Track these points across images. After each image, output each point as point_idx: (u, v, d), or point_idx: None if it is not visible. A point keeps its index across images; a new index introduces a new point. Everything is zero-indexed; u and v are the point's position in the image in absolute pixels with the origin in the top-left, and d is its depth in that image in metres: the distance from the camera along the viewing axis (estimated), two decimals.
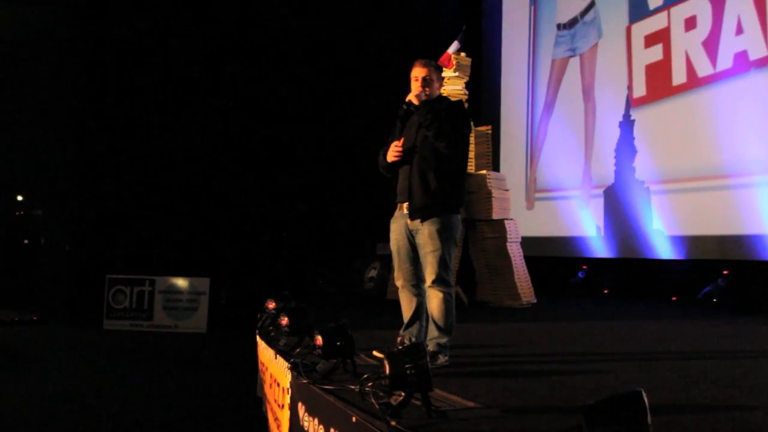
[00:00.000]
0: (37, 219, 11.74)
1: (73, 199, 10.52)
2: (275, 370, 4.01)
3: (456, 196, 4.07)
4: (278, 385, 3.86)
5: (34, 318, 9.98)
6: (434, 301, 3.97)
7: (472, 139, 8.18)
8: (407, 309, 4.22)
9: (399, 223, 4.17)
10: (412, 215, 4.03)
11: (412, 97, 4.07)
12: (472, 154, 8.20)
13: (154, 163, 10.56)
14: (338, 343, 3.40)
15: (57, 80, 10.89)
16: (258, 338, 4.84)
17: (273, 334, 4.51)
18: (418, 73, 4.13)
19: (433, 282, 3.94)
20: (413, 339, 4.10)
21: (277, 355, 4.00)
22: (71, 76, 10.63)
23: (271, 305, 5.26)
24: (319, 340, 3.40)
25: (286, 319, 4.32)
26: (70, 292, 10.23)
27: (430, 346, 3.91)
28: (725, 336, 5.78)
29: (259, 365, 4.89)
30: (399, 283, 4.22)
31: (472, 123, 8.36)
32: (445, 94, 8.18)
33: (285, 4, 11.58)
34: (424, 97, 4.06)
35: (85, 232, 10.41)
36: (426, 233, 3.97)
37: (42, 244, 11.57)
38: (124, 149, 10.44)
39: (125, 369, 6.78)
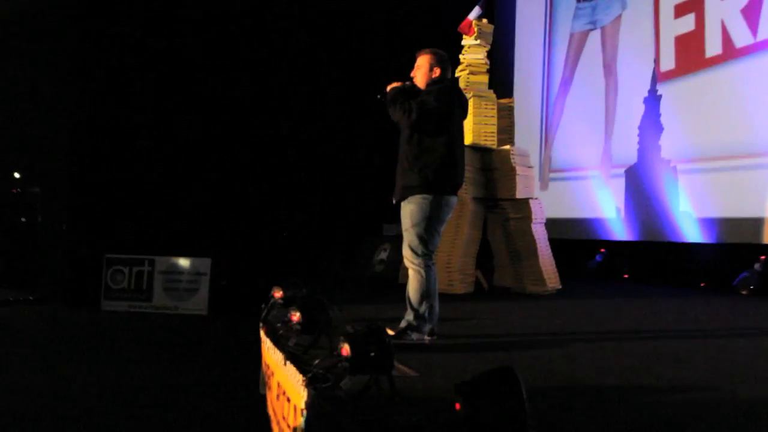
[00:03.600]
0: (34, 197, 10.75)
1: (71, 177, 9.60)
2: (284, 379, 2.98)
3: (425, 178, 3.84)
4: (288, 400, 2.83)
5: (31, 298, 9.22)
6: (409, 275, 3.89)
7: (492, 112, 7.29)
8: None
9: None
10: (395, 197, 4.00)
11: (388, 87, 4.02)
12: (493, 129, 7.22)
13: (155, 139, 9.64)
14: (372, 354, 2.38)
15: (55, 55, 9.92)
16: (262, 333, 3.82)
17: (282, 332, 3.47)
18: (415, 62, 4.09)
19: (407, 256, 3.86)
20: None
21: (287, 361, 2.97)
22: (70, 51, 9.67)
23: (278, 294, 4.25)
24: (346, 349, 2.38)
25: (298, 314, 3.31)
26: (67, 271, 9.36)
27: (401, 323, 3.80)
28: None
29: (263, 365, 3.86)
30: (406, 262, 4.01)
31: (494, 95, 7.44)
32: (465, 63, 7.35)
33: None
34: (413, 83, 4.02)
35: (83, 211, 9.49)
36: (402, 213, 3.93)
37: (39, 222, 10.59)
38: (125, 125, 9.52)
39: (122, 352, 6.03)
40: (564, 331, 4.60)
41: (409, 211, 3.84)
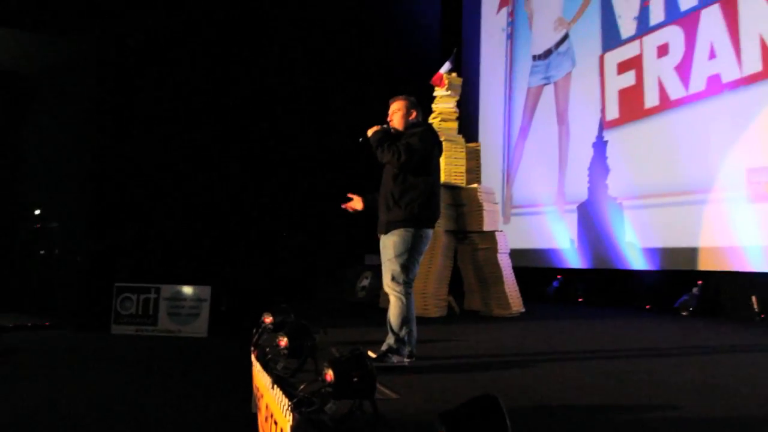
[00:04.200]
0: (52, 231, 10.40)
1: (84, 213, 9.30)
2: (271, 402, 2.73)
3: (411, 213, 3.68)
4: (275, 423, 2.57)
5: (47, 323, 8.85)
6: (390, 303, 3.70)
7: (461, 154, 7.15)
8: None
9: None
10: (378, 230, 3.84)
11: (368, 131, 3.83)
12: (462, 169, 7.07)
13: (161, 180, 9.38)
14: (354, 380, 2.14)
15: (73, 103, 9.71)
16: (253, 357, 3.55)
17: (270, 355, 3.21)
18: (389, 110, 3.93)
19: (389, 286, 3.68)
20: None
21: (275, 385, 2.71)
22: (85, 99, 9.44)
23: (268, 319, 4.00)
24: (330, 375, 2.14)
25: (285, 339, 3.06)
26: (81, 299, 9.02)
27: (383, 347, 3.61)
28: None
29: (254, 387, 3.59)
30: (386, 289, 3.81)
31: (463, 140, 7.32)
32: (437, 112, 7.22)
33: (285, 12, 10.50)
34: (391, 129, 3.85)
35: (96, 243, 9.17)
36: (383, 244, 3.77)
37: (56, 254, 10.23)
38: (133, 170, 9.27)
39: (129, 370, 5.89)
40: (530, 350, 4.37)
41: (392, 242, 3.68)
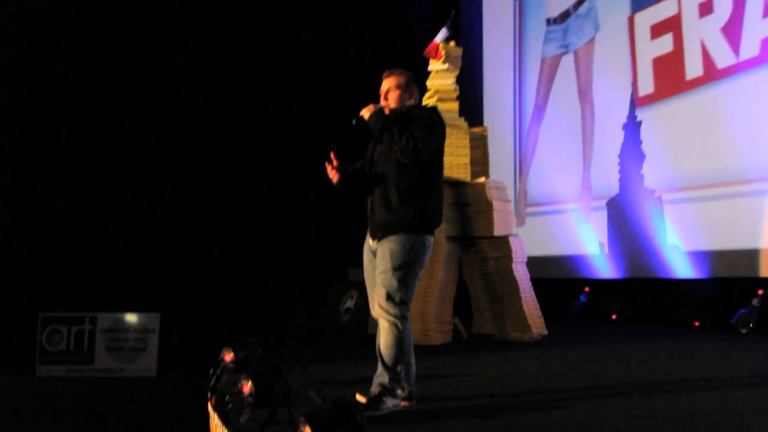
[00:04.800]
0: None
1: (1, 226, 9.06)
2: None
3: (423, 214, 3.55)
4: None
5: None
6: (381, 330, 3.49)
7: (464, 142, 7.03)
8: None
9: (366, 246, 3.77)
10: (373, 234, 3.66)
11: (363, 112, 3.61)
12: (466, 160, 6.95)
13: (96, 180, 9.17)
14: None
15: None
16: (209, 407, 3.36)
17: (231, 404, 3.03)
18: (382, 86, 3.77)
19: (382, 306, 3.46)
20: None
21: None
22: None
23: (228, 356, 3.81)
24: None
25: (249, 383, 2.89)
26: None
27: (374, 388, 3.43)
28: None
29: None
30: (374, 313, 3.62)
31: (466, 124, 7.19)
32: (432, 90, 7.09)
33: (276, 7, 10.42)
34: (386, 111, 3.61)
35: (15, 263, 8.94)
36: (380, 252, 3.56)
37: None
38: (61, 163, 9.05)
39: (58, 423, 5.45)
40: (555, 386, 4.24)
41: (389, 251, 3.49)
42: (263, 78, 10.46)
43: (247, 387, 2.89)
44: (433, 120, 3.59)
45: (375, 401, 3.36)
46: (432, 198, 3.60)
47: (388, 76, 3.75)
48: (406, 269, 3.47)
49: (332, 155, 3.70)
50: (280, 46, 10.48)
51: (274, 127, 10.51)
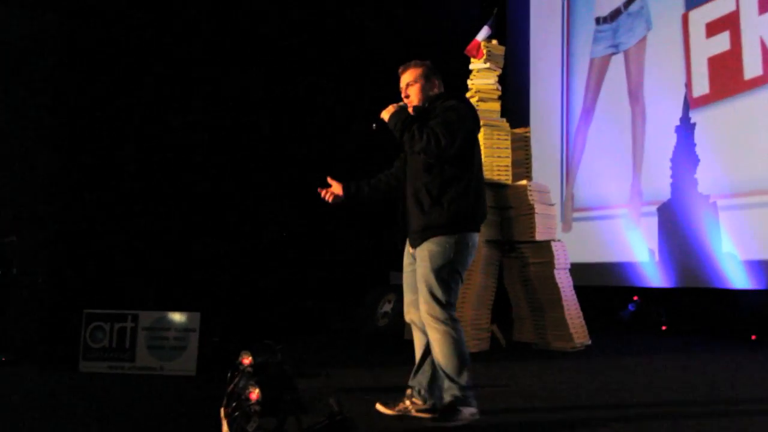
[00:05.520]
0: (10, 246, 10.34)
1: (49, 225, 9.20)
2: None
3: (459, 212, 3.37)
4: None
5: (3, 359, 8.72)
6: (431, 339, 3.35)
7: (506, 143, 6.79)
8: (417, 350, 3.58)
9: (407, 251, 3.62)
10: (412, 242, 3.50)
11: (383, 114, 3.50)
12: (507, 161, 6.71)
13: (139, 183, 9.27)
14: None
15: (36, 92, 9.63)
16: (222, 414, 3.21)
17: (237, 413, 2.87)
18: (401, 81, 3.60)
19: (425, 311, 3.32)
20: (423, 393, 3.47)
21: None
22: (53, 89, 9.38)
23: (247, 360, 3.66)
24: None
25: (257, 391, 2.72)
26: (43, 329, 8.89)
27: (446, 398, 3.29)
28: None
29: None
30: (408, 318, 3.61)
31: (508, 125, 6.95)
32: (473, 90, 6.86)
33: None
34: (409, 108, 3.50)
35: (62, 262, 9.07)
36: (419, 257, 3.40)
37: (14, 274, 10.16)
38: (109, 171, 9.19)
39: (100, 418, 5.47)
40: (597, 401, 3.97)
41: (428, 253, 3.34)
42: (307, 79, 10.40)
43: (255, 394, 2.73)
44: (457, 109, 3.38)
45: (448, 412, 3.22)
46: (467, 194, 3.40)
47: (405, 70, 3.58)
48: (446, 270, 3.32)
49: (329, 180, 3.75)
50: (295, 39, 10.39)
51: (322, 125, 10.42)
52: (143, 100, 9.29)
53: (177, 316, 8.02)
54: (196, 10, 9.76)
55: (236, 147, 9.82)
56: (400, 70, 3.60)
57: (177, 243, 9.39)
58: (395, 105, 3.49)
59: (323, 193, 3.76)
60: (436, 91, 3.54)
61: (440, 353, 3.28)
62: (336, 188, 3.76)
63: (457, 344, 3.26)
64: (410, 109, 3.50)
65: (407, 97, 3.54)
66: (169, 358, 7.99)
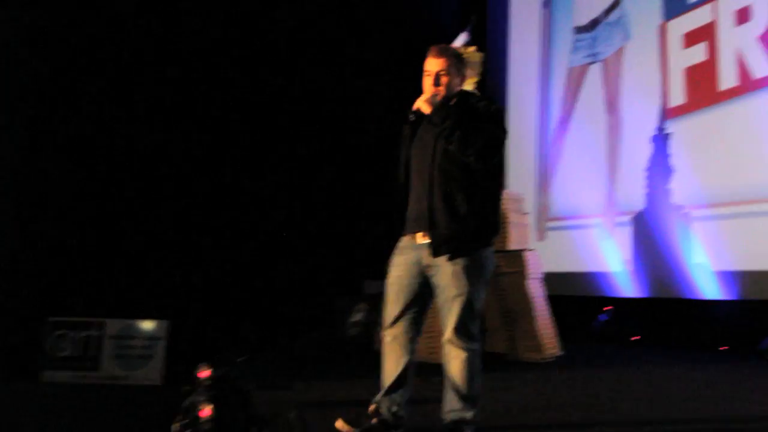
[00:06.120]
0: None
1: (7, 226, 8.96)
2: None
3: (491, 223, 3.20)
4: None
5: None
6: (455, 361, 3.13)
7: None
8: (393, 369, 3.25)
9: (408, 256, 3.25)
10: (436, 250, 3.11)
11: (421, 104, 3.18)
12: None
13: (105, 185, 9.03)
14: None
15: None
16: (173, 429, 3.07)
17: (188, 431, 2.73)
18: (431, 65, 3.23)
19: (456, 334, 3.10)
20: (395, 411, 3.23)
21: None
22: (16, 85, 9.15)
23: (205, 373, 3.51)
24: None
25: (208, 407, 2.59)
26: (3, 337, 8.63)
27: (450, 418, 3.14)
28: None
29: None
30: (391, 332, 3.28)
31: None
32: None
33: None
34: (438, 99, 3.17)
35: (23, 266, 8.82)
36: (450, 272, 3.08)
37: None
38: (70, 174, 8.93)
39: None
40: (565, 418, 3.88)
41: (464, 271, 3.09)
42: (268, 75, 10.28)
43: (207, 411, 2.59)
44: (503, 114, 3.27)
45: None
46: (499, 204, 3.31)
47: (441, 55, 3.23)
48: (477, 291, 3.13)
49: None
50: (284, 38, 10.29)
51: (288, 131, 10.30)
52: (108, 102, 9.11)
53: (144, 324, 7.84)
54: (194, 9, 9.65)
55: (204, 152, 9.63)
56: (432, 53, 3.25)
57: (145, 249, 9.19)
58: (430, 96, 3.20)
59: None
60: (461, 87, 3.33)
61: (461, 376, 3.12)
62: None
63: (478, 369, 3.18)
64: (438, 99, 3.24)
65: (436, 85, 3.22)
66: (135, 367, 7.81)
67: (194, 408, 2.72)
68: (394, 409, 3.24)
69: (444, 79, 3.20)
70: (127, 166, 9.09)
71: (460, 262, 3.08)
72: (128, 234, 9.08)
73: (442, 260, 3.11)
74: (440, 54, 3.22)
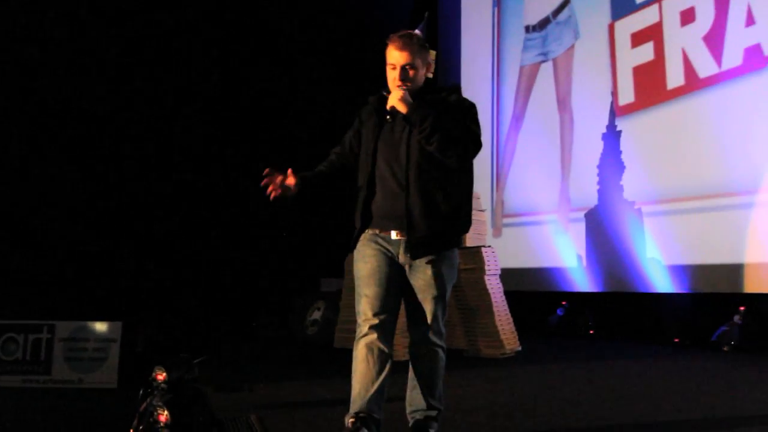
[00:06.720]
0: None
1: None
2: None
3: (465, 222, 3.06)
4: None
5: None
6: (428, 360, 3.01)
7: None
8: (370, 376, 2.85)
9: (381, 248, 2.98)
10: (415, 250, 2.91)
11: (395, 103, 2.91)
12: None
13: (58, 184, 8.77)
14: None
15: None
16: None
17: None
18: (395, 58, 2.97)
19: (432, 334, 2.96)
20: (378, 416, 2.88)
21: None
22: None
23: (161, 376, 3.39)
24: None
25: (165, 413, 2.48)
26: None
27: (415, 418, 3.04)
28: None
29: None
30: (372, 335, 2.86)
31: None
32: None
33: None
34: (407, 96, 2.93)
35: None
36: (429, 274, 2.91)
37: None
38: (20, 172, 8.65)
39: None
40: (528, 411, 3.86)
41: (442, 272, 2.94)
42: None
43: (164, 416, 2.48)
44: (476, 110, 3.17)
45: (425, 425, 3.04)
46: (468, 200, 3.12)
47: (405, 47, 2.97)
48: (448, 291, 3.02)
49: (290, 173, 3.05)
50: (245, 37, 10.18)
51: (240, 129, 10.17)
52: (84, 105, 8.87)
53: (97, 326, 7.59)
54: (194, 8, 9.49)
55: (155, 150, 9.44)
56: (396, 43, 2.98)
57: (97, 248, 8.96)
58: (402, 92, 2.95)
59: (271, 188, 3.05)
60: (430, 76, 3.15)
61: (433, 374, 3.03)
62: (290, 179, 3.04)
63: (444, 367, 3.09)
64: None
65: (405, 80, 2.99)
66: (88, 370, 7.54)
67: (151, 412, 2.61)
68: (376, 415, 2.90)
69: (411, 73, 2.99)
70: (76, 167, 8.88)
71: (438, 264, 2.93)
72: (78, 234, 8.86)
73: (420, 261, 2.94)
74: (405, 46, 2.97)
